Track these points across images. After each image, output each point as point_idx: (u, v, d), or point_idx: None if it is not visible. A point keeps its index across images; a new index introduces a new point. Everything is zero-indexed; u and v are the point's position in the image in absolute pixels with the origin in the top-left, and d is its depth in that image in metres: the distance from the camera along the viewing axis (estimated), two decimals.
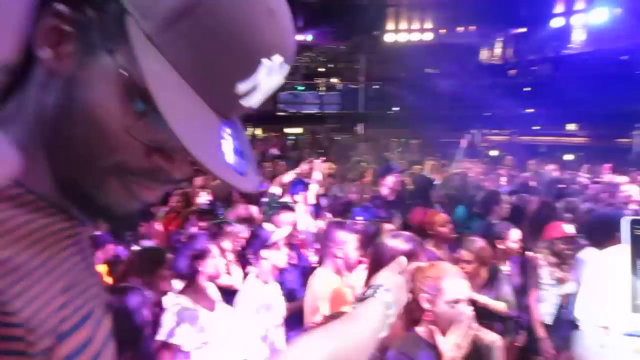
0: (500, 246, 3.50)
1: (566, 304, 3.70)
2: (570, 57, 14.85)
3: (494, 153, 13.64)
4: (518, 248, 3.59)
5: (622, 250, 1.92)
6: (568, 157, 15.07)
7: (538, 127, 15.20)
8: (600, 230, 3.73)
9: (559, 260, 3.73)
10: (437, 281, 1.72)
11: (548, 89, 13.82)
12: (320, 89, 17.88)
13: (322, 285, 2.67)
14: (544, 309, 3.75)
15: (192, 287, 2.44)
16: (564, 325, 3.65)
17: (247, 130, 2.70)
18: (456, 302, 1.69)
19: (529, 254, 3.76)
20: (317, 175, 4.46)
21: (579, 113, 13.54)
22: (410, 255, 2.27)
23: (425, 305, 1.73)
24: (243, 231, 3.35)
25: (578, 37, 14.73)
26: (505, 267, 3.53)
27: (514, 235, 3.55)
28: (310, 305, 2.68)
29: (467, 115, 14.68)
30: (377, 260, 2.09)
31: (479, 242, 3.17)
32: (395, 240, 2.08)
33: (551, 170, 7.98)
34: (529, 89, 15.14)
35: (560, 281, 3.68)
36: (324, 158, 5.39)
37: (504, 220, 4.14)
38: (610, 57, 13.31)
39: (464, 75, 15.58)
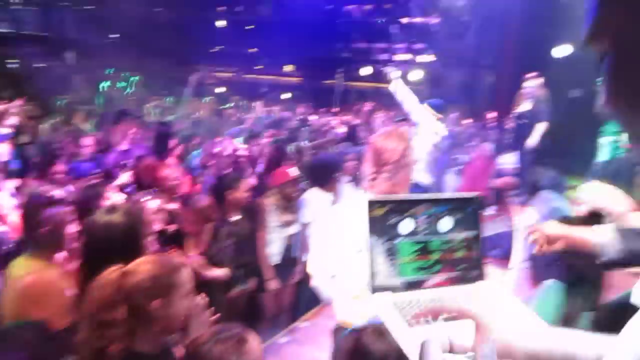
0: (230, 197, 3.45)
1: (292, 243, 3.97)
2: (288, 0, 15.73)
3: (220, 90, 13.74)
4: (248, 197, 3.61)
5: (351, 206, 2.02)
6: (286, 95, 16.50)
7: (261, 67, 15.94)
8: (321, 173, 4.07)
9: (286, 203, 3.92)
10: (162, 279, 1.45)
11: (269, 29, 14.45)
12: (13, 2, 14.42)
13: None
14: (272, 249, 3.93)
15: None
16: (291, 262, 3.93)
17: None
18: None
19: (258, 200, 3.84)
20: (12, 119, 3.49)
21: (295, 55, 14.69)
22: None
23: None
24: None
25: None
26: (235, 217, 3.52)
27: (244, 186, 3.54)
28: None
29: (193, 51, 14.22)
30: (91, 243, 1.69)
31: (202, 201, 3.03)
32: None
33: (277, 111, 8.45)
34: (252, 27, 15.55)
35: (287, 223, 3.89)
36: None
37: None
38: (317, 6, 14.67)
39: (187, 5, 14.85)
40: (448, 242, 1.41)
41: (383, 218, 1.38)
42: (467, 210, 1.48)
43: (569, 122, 7.54)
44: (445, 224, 1.45)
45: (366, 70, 14.41)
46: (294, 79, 16.44)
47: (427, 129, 4.75)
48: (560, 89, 7.97)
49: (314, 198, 3.96)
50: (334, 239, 2.03)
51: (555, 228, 1.70)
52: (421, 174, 4.72)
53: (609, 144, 6.90)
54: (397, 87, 4.79)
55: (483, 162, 7.93)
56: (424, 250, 1.40)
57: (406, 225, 1.40)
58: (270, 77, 16.29)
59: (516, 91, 8.97)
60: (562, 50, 8.91)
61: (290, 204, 3.92)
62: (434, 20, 11.29)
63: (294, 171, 3.92)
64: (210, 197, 3.35)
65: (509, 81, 9.53)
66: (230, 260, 3.18)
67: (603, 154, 7.00)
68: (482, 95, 10.43)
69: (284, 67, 16.38)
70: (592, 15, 0.54)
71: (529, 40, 9.06)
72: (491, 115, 8.92)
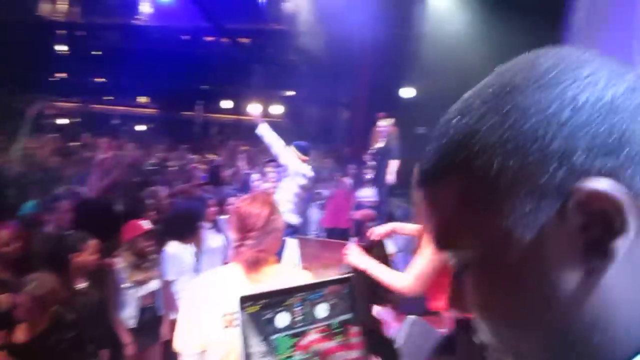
0: (75, 262, 2.97)
1: (150, 303, 3.59)
2: (139, 28, 15.01)
3: (63, 122, 12.39)
4: (95, 259, 3.15)
5: (219, 274, 1.85)
6: (140, 127, 15.54)
7: (111, 97, 14.83)
8: (182, 224, 3.76)
9: (140, 260, 3.53)
10: None
11: (119, 57, 13.57)
12: None
13: None
14: (127, 313, 3.50)
15: None
16: (154, 323, 3.55)
17: None
18: None
19: (105, 261, 3.39)
20: None
21: (149, 86, 13.98)
22: None
23: None
24: None
25: (145, 9, 14.98)
26: (82, 285, 3.05)
27: (91, 246, 3.09)
28: None
29: (30, 78, 12.67)
30: None
31: (44, 280, 2.53)
32: None
33: (130, 150, 7.73)
34: (99, 52, 14.45)
35: (141, 282, 3.50)
36: None
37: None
38: (172, 35, 14.24)
39: (20, 27, 13.25)
40: (326, 329, 1.35)
41: (258, 314, 1.26)
42: (342, 293, 1.42)
43: (417, 157, 8.23)
44: (322, 310, 1.37)
45: (227, 103, 14.28)
46: (149, 111, 15.58)
47: (294, 171, 4.77)
48: (408, 127, 8.70)
49: (175, 252, 3.65)
50: (202, 311, 1.83)
51: None
52: (290, 215, 4.76)
53: None
54: (264, 131, 4.79)
55: (344, 196, 8.25)
56: (302, 341, 1.31)
57: (282, 319, 1.29)
58: (123, 108, 15.22)
59: (370, 128, 9.61)
60: (407, 92, 9.81)
61: (144, 261, 3.54)
62: (292, 57, 11.64)
63: (145, 223, 3.56)
64: (46, 264, 2.84)
65: (363, 119, 10.17)
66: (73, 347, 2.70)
67: None
68: (339, 131, 10.96)
69: (138, 98, 15.46)
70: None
71: (379, 81, 9.80)
72: (348, 150, 9.38)
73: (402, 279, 2.11)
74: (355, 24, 9.38)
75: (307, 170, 4.86)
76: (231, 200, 4.46)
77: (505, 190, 0.37)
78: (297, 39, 10.63)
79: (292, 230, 4.82)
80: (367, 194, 7.96)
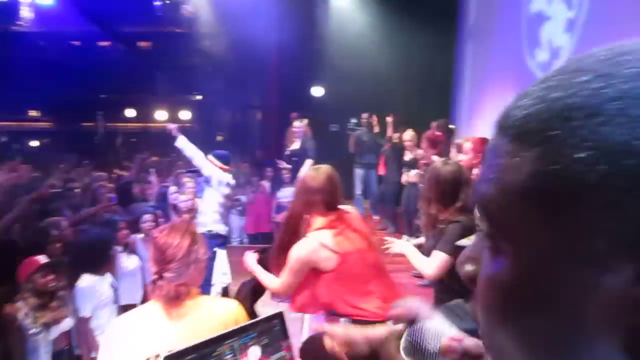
0: None
1: (65, 345, 3.30)
2: (21, 35, 13.67)
3: None
4: None
5: (138, 316, 1.72)
6: (34, 143, 14.26)
7: None
8: (91, 255, 3.49)
9: (45, 299, 3.21)
10: None
11: (1, 68, 12.29)
12: None
13: None
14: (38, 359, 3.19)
15: None
16: None
17: None
18: None
19: (3, 310, 3.05)
20: None
21: (40, 97, 12.85)
22: None
23: None
24: None
25: (26, 14, 13.62)
26: None
27: None
28: None
29: None
30: None
31: None
32: None
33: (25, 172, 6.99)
34: None
35: (51, 324, 3.19)
36: None
37: None
38: (63, 41, 13.11)
39: None
40: None
41: None
42: (273, 330, 1.37)
43: (330, 154, 8.34)
44: (254, 353, 1.31)
45: (131, 112, 13.51)
46: (43, 124, 14.33)
47: (217, 181, 4.72)
48: (321, 125, 8.78)
49: (88, 285, 3.37)
50: (122, 356, 1.69)
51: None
52: (218, 225, 4.73)
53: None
54: (183, 143, 4.68)
55: (264, 200, 8.16)
56: None
57: None
58: (11, 124, 13.86)
59: (283, 129, 9.59)
60: (317, 91, 9.90)
61: (50, 300, 3.23)
62: (197, 60, 11.26)
63: (41, 258, 3.24)
64: None
65: (276, 120, 10.12)
66: None
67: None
68: (252, 134, 10.81)
69: (29, 111, 14.16)
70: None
71: (289, 82, 9.79)
72: (263, 153, 9.29)
73: (275, 283, 2.42)
74: (260, 25, 9.28)
75: (230, 178, 4.85)
76: (147, 217, 4.25)
77: (594, 210, 0.28)
78: (200, 41, 10.30)
79: (222, 241, 4.80)
80: (287, 194, 7.94)
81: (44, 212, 4.26)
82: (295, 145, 7.48)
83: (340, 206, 2.40)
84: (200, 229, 4.72)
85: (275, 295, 2.60)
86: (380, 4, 9.10)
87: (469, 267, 0.41)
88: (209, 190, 4.77)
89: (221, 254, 4.68)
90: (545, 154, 0.29)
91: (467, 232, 2.24)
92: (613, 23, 3.84)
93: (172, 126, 4.83)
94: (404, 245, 2.67)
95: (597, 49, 0.32)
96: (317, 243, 2.23)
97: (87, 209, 4.73)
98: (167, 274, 1.74)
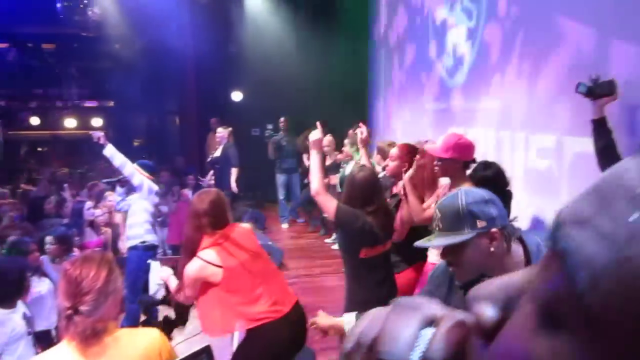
0: None
1: None
2: None
3: None
4: None
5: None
6: None
7: None
8: (1, 288, 3.23)
9: None
10: None
11: None
12: None
13: None
14: None
15: None
16: None
17: None
18: None
19: None
20: None
21: None
22: None
23: None
24: None
25: None
26: None
27: None
28: None
29: None
30: None
31: None
32: None
33: None
34: None
35: None
36: None
37: None
38: None
39: None
40: None
41: None
42: None
43: (253, 159, 8.32)
44: None
45: (35, 120, 12.53)
46: None
47: (147, 190, 4.69)
48: (241, 130, 8.70)
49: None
50: None
51: (324, 319, 2.05)
52: (150, 236, 4.70)
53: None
54: (112, 152, 4.53)
55: (186, 209, 7.93)
56: None
57: None
58: None
59: (203, 135, 9.38)
60: (236, 96, 9.79)
61: None
62: (106, 64, 10.69)
63: None
64: None
65: (194, 126, 9.88)
66: None
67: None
68: (170, 141, 10.47)
69: None
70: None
71: (206, 87, 9.60)
72: (182, 160, 9.03)
73: (181, 296, 2.76)
74: (173, 29, 9.01)
75: (156, 187, 4.86)
76: (48, 239, 4.02)
77: None
78: (110, 45, 9.79)
79: (155, 252, 4.76)
80: None
81: None
82: (218, 152, 7.38)
83: (232, 224, 2.76)
84: (133, 242, 4.62)
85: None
86: (296, 9, 9.19)
87: (489, 312, 0.32)
88: (139, 201, 4.70)
89: (155, 265, 4.58)
90: None
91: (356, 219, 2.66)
92: (507, 32, 4.21)
93: (98, 134, 4.64)
94: None
95: None
96: (202, 262, 2.58)
97: None
98: (82, 308, 1.64)
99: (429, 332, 0.32)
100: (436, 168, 2.89)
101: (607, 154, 2.42)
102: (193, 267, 2.60)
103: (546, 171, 3.55)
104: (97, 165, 7.99)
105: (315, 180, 2.79)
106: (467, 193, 1.53)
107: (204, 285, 2.64)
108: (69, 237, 4.22)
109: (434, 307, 0.34)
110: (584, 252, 0.26)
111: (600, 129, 2.44)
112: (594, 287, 0.25)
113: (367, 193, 2.69)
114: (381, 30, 8.14)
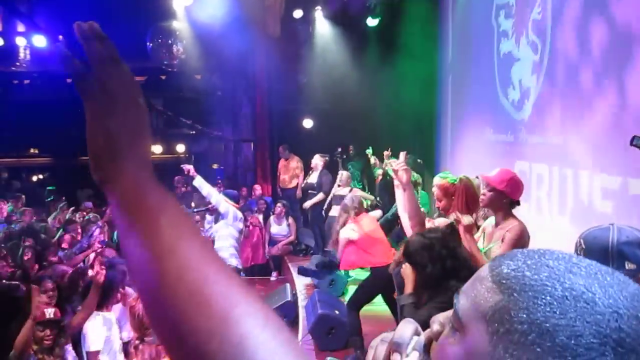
0: None
1: None
2: (19, 75, 13.96)
3: None
4: None
5: None
6: (35, 177, 14.50)
7: None
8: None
9: None
10: None
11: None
12: None
13: None
14: None
15: None
16: None
17: None
18: None
19: None
20: None
21: (38, 137, 13.13)
22: None
23: None
24: None
25: (23, 57, 13.93)
26: None
27: None
28: None
29: None
30: None
31: None
32: None
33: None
34: None
35: None
36: None
37: None
38: (57, 79, 13.31)
39: None
40: None
41: None
42: None
43: None
44: None
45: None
46: (42, 160, 14.58)
47: (232, 217, 5.13)
48: (312, 156, 9.00)
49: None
50: None
51: None
52: (234, 260, 5.12)
53: None
54: (200, 183, 5.03)
55: (257, 233, 8.33)
56: None
57: None
58: (11, 160, 14.05)
59: (274, 160, 9.82)
60: (307, 123, 10.17)
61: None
62: (189, 95, 11.53)
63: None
64: None
65: (268, 151, 10.38)
66: None
67: None
68: (246, 166, 11.03)
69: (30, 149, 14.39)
70: None
71: (280, 115, 10.10)
72: (257, 187, 9.49)
73: None
74: (248, 62, 9.59)
75: (240, 215, 5.33)
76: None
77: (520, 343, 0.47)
78: (192, 78, 10.58)
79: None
80: (279, 229, 8.18)
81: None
82: (313, 178, 7.78)
83: None
84: None
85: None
86: (362, 39, 9.42)
87: (436, 327, 0.57)
88: (225, 227, 5.14)
89: None
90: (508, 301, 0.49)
91: None
92: (571, 66, 4.12)
93: (188, 167, 5.19)
94: None
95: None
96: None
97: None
98: (147, 339, 1.94)
99: (416, 337, 0.59)
100: (483, 197, 2.82)
101: None
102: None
103: (606, 213, 3.43)
104: (183, 192, 8.62)
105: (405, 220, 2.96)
106: (621, 230, 1.42)
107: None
108: None
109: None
110: None
111: None
112: None
113: None
114: (449, 58, 8.14)
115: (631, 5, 3.34)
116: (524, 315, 0.47)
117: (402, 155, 3.05)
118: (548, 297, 0.47)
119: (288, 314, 5.49)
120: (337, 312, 4.91)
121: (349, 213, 4.76)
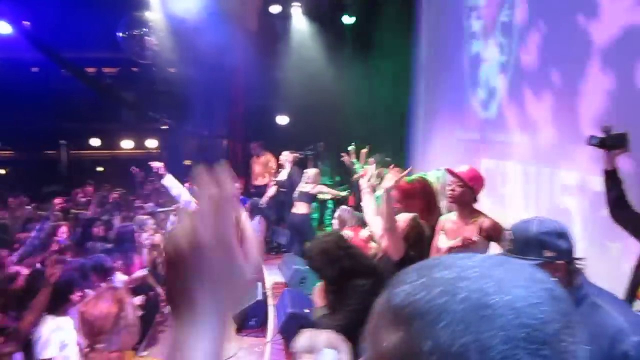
0: None
1: None
2: None
3: None
4: None
5: None
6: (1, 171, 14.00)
7: None
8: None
9: None
10: None
11: None
12: None
13: None
14: None
15: None
16: None
17: None
18: None
19: None
20: None
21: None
22: None
23: None
24: None
25: None
26: None
27: None
28: None
29: None
30: None
31: None
32: None
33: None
34: None
35: None
36: None
37: None
38: (21, 68, 12.70)
39: None
40: None
41: None
42: None
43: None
44: None
45: (96, 141, 13.38)
46: (5, 153, 14.03)
47: None
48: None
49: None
50: None
51: None
52: None
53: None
54: (170, 182, 4.80)
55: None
56: None
57: None
58: None
59: (250, 157, 9.72)
60: (282, 119, 10.12)
61: None
62: (161, 89, 11.32)
63: None
64: None
65: (241, 148, 10.27)
66: None
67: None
68: (218, 162, 10.87)
69: None
70: None
71: (254, 111, 10.00)
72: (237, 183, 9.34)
73: None
74: (223, 56, 9.44)
75: None
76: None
77: None
78: (165, 71, 10.39)
79: None
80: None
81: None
82: (282, 175, 7.62)
83: None
84: None
85: None
86: (338, 36, 9.42)
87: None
88: None
89: None
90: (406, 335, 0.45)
91: None
92: (535, 68, 4.23)
93: (157, 165, 4.88)
94: None
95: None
96: None
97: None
98: (97, 346, 1.84)
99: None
100: (452, 192, 2.99)
101: (618, 204, 2.45)
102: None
103: (568, 209, 3.55)
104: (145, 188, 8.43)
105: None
106: (542, 222, 1.59)
107: None
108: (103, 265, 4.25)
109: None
110: None
111: (612, 180, 2.47)
112: None
113: None
114: (422, 57, 8.22)
115: (591, 12, 3.46)
116: (430, 344, 0.43)
117: (369, 169, 3.11)
118: (448, 317, 0.43)
119: (258, 313, 5.43)
120: (307, 310, 4.89)
121: (344, 227, 4.78)
